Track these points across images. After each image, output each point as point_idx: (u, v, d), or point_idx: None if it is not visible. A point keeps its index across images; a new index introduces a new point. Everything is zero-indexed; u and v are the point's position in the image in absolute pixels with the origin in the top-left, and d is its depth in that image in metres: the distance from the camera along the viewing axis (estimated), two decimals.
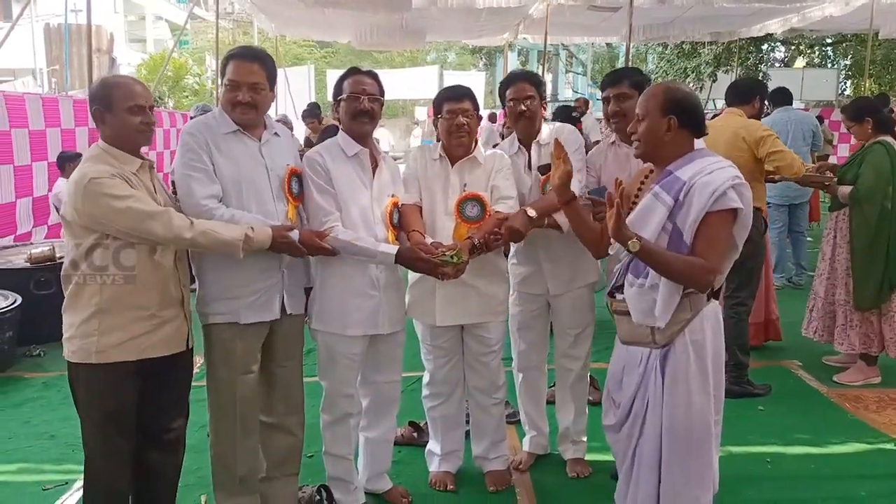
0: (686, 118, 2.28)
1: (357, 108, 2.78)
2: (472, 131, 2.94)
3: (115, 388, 2.36)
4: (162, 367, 2.45)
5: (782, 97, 6.71)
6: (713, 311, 2.29)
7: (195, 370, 2.72)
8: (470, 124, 2.92)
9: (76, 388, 2.41)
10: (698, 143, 2.36)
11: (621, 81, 2.98)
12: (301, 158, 2.84)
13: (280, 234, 2.52)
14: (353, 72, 2.87)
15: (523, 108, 3.04)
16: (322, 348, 2.88)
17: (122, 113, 2.35)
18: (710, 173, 2.19)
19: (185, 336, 2.49)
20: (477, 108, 2.98)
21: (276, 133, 2.74)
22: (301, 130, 11.95)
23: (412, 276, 3.00)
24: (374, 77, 2.87)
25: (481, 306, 3.01)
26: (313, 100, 14.15)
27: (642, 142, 2.32)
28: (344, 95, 2.81)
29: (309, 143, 8.25)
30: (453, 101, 2.92)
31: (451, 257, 2.70)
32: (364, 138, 2.84)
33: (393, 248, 2.72)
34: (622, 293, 2.34)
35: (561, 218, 2.91)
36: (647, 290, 2.23)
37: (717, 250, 2.20)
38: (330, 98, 3.05)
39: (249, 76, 2.58)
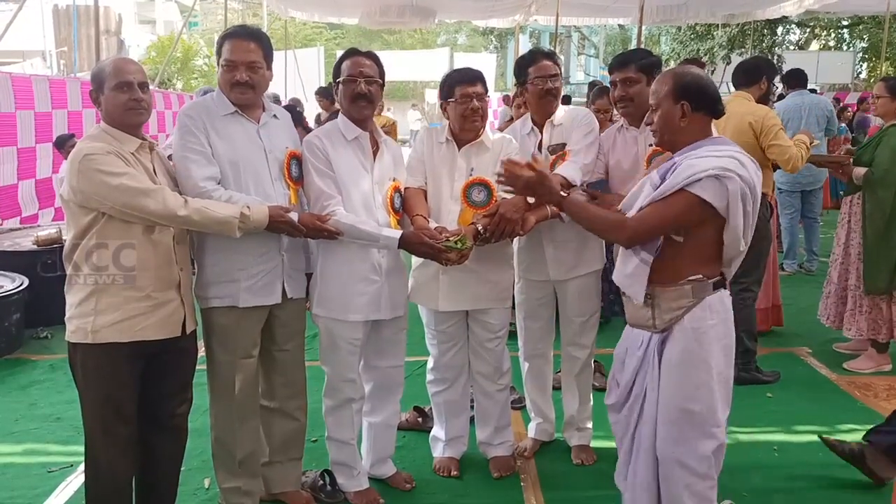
0: (699, 101, 2.23)
1: (354, 92, 2.72)
2: (485, 115, 2.90)
3: (110, 371, 2.34)
4: (163, 352, 2.43)
5: (797, 80, 6.59)
6: (719, 300, 2.25)
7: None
8: (484, 108, 2.87)
9: (75, 370, 2.40)
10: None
11: (628, 65, 2.91)
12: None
13: (277, 213, 2.48)
14: (352, 53, 2.81)
15: (550, 85, 2.98)
16: (324, 333, 2.85)
17: (110, 91, 2.33)
18: (702, 158, 2.16)
19: (180, 321, 2.45)
20: (487, 90, 2.92)
21: (274, 115, 2.70)
22: (313, 110, 11.88)
23: (415, 260, 2.97)
24: (374, 58, 2.80)
25: (485, 292, 2.98)
26: (323, 82, 14.04)
27: (659, 131, 2.30)
28: (341, 78, 2.75)
29: (319, 122, 8.21)
30: (466, 84, 2.84)
31: (456, 243, 2.65)
32: (363, 122, 2.79)
33: (396, 233, 2.69)
34: None
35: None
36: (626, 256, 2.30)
37: (650, 217, 2.19)
38: None
39: (247, 55, 2.54)
